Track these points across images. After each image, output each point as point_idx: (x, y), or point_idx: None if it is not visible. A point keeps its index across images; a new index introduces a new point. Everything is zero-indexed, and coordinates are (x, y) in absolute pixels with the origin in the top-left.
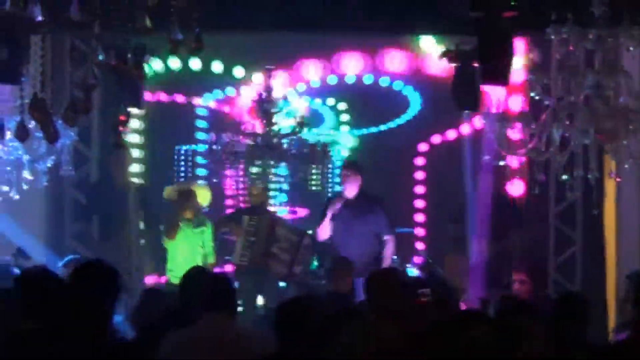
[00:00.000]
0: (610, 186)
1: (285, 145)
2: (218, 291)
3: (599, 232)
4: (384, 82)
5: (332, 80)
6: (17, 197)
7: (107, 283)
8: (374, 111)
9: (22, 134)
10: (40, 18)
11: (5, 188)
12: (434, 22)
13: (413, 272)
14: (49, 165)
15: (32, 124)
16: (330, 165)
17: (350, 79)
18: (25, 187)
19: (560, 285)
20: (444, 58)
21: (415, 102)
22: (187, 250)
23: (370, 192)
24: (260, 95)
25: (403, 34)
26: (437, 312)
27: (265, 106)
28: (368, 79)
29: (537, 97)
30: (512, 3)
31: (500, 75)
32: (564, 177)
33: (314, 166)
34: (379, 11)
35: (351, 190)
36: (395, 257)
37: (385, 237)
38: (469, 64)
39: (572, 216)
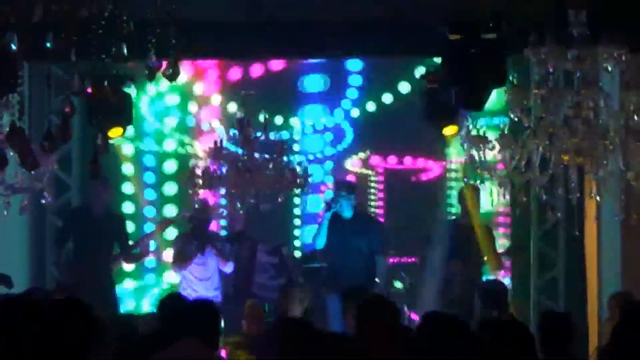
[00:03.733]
0: (590, 207)
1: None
2: (198, 316)
3: (581, 253)
4: None
5: None
6: None
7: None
8: None
9: (0, 162)
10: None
11: None
12: (411, 45)
13: None
14: (28, 193)
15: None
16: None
17: None
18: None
19: (542, 306)
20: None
21: None
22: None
23: (367, 212)
24: (240, 120)
25: (380, 57)
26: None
27: (246, 131)
28: None
29: (516, 118)
30: (490, 25)
31: (477, 99)
32: (545, 197)
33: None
34: (356, 35)
35: (346, 210)
36: (377, 279)
37: (376, 257)
38: (448, 87)
39: (554, 238)
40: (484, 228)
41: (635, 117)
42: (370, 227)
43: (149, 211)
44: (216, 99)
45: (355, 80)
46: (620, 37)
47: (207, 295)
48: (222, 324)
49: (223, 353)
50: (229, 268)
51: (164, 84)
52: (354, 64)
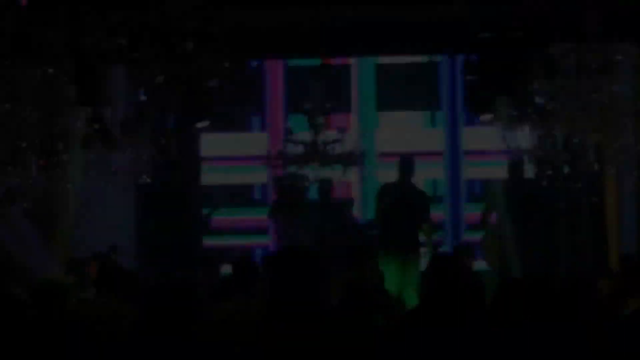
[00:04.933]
0: (610, 179)
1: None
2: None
3: (601, 219)
4: None
5: None
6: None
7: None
8: None
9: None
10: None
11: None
12: (446, 42)
13: None
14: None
15: None
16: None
17: None
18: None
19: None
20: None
21: None
22: None
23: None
24: (306, 110)
25: (405, 54)
26: None
27: (313, 119)
28: None
29: (541, 103)
30: (518, 24)
31: (509, 88)
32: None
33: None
34: (386, 34)
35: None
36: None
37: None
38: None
39: (577, 205)
40: None
41: None
42: (423, 198)
43: None
44: None
45: None
46: (634, 34)
47: None
48: None
49: None
50: None
51: None
52: None
